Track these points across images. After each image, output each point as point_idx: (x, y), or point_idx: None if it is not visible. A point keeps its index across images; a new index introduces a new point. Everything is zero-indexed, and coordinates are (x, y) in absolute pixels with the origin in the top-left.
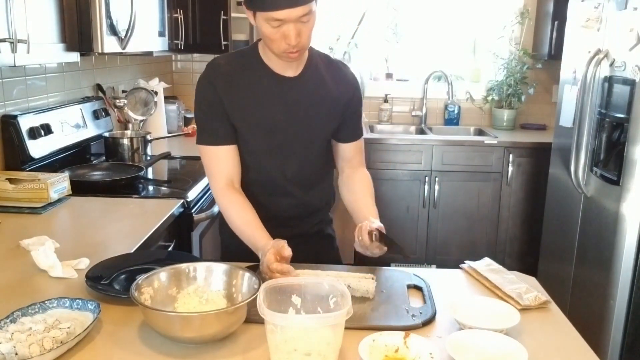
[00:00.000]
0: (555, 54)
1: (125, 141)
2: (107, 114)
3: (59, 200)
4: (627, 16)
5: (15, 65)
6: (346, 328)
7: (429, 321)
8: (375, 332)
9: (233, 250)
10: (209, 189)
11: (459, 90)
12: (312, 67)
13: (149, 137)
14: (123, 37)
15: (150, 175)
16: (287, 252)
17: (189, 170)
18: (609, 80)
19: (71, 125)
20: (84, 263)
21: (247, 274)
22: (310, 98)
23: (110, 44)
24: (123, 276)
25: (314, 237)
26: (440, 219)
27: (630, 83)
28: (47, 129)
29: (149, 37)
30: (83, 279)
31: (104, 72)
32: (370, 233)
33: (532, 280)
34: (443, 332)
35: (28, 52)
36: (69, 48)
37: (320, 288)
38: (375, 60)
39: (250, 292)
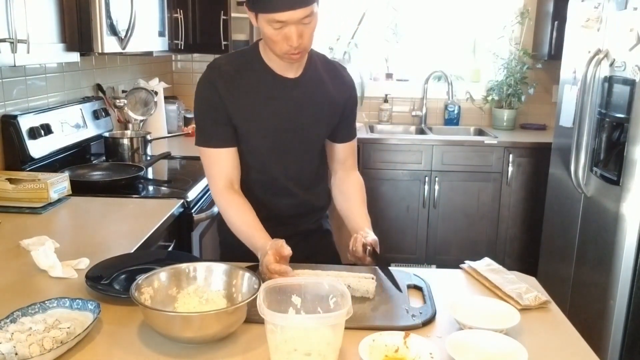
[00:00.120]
0: (555, 54)
1: (125, 141)
2: (107, 114)
3: (59, 200)
4: (627, 16)
5: (15, 65)
6: (346, 328)
7: (429, 321)
8: (375, 332)
9: (232, 250)
10: (209, 189)
11: (459, 90)
12: (312, 68)
13: (149, 137)
14: (123, 37)
15: (150, 175)
16: (287, 251)
17: (189, 170)
18: (609, 80)
19: (71, 125)
20: (84, 263)
21: (247, 274)
22: (311, 99)
23: (110, 44)
24: (123, 276)
25: (314, 233)
26: (440, 218)
27: (630, 83)
28: (47, 129)
29: (149, 37)
30: (83, 279)
31: (104, 72)
32: (364, 246)
33: (532, 280)
34: (443, 332)
35: (28, 52)
36: (69, 48)
37: (320, 288)
38: (375, 60)
39: (250, 292)
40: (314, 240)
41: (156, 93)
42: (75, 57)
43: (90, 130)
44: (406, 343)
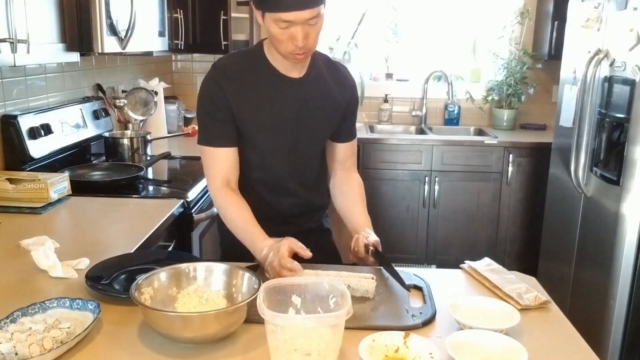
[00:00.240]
0: (555, 54)
1: (125, 141)
2: (107, 114)
3: (59, 200)
4: (627, 16)
5: (15, 65)
6: (346, 328)
7: (429, 321)
8: (375, 332)
9: (233, 249)
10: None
11: (459, 90)
12: (316, 68)
13: (149, 137)
14: (123, 37)
15: (150, 175)
16: (308, 254)
17: (189, 170)
18: (609, 80)
19: (71, 125)
20: (84, 263)
21: (247, 274)
22: (314, 99)
23: (110, 44)
24: (123, 276)
25: (315, 232)
26: (440, 218)
27: (630, 83)
28: (47, 129)
29: (149, 37)
30: (83, 279)
31: (104, 72)
32: (366, 246)
33: (532, 280)
34: (443, 332)
35: (28, 52)
36: (69, 48)
37: (320, 288)
38: (375, 60)
39: (250, 292)
40: (314, 239)
41: (156, 93)
42: (75, 57)
43: (90, 130)
44: (406, 343)
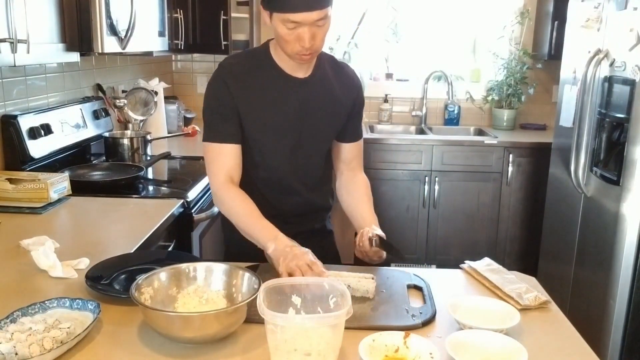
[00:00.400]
0: (555, 54)
1: (125, 141)
2: (107, 114)
3: (59, 200)
4: (627, 16)
5: (15, 65)
6: (346, 328)
7: (429, 321)
8: (375, 332)
9: (238, 247)
10: (209, 189)
11: (459, 90)
12: (321, 69)
13: (149, 137)
14: (123, 37)
15: (150, 175)
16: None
17: (189, 170)
18: (609, 80)
19: (71, 125)
20: (84, 263)
21: (247, 274)
22: (320, 99)
23: (110, 44)
24: (123, 276)
25: (317, 233)
26: (440, 218)
27: (630, 83)
28: (47, 129)
29: (149, 37)
30: (83, 279)
31: (104, 72)
32: (370, 239)
33: (532, 280)
34: (443, 332)
35: (28, 52)
36: (69, 48)
37: (320, 288)
38: (375, 60)
39: (250, 292)
40: (316, 239)
41: (156, 93)
42: (75, 57)
43: (90, 130)
44: (406, 343)
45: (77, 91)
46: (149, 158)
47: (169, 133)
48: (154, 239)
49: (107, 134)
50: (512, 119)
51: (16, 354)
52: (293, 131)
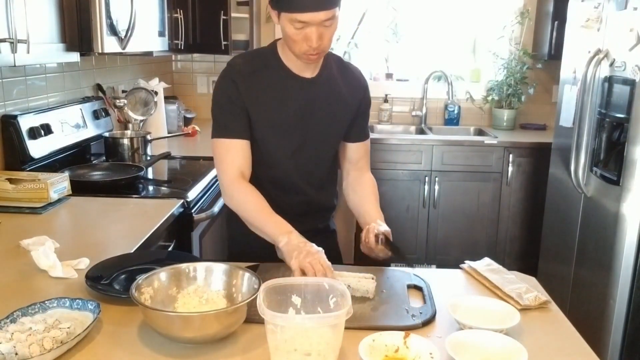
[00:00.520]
0: (555, 54)
1: (125, 141)
2: (107, 114)
3: (59, 200)
4: (627, 16)
5: (15, 65)
6: (346, 328)
7: (429, 321)
8: (375, 332)
9: (240, 245)
10: (209, 189)
11: (459, 90)
12: (328, 69)
13: (149, 137)
14: (123, 37)
15: (150, 175)
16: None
17: (189, 170)
18: (609, 80)
19: (71, 125)
20: (84, 263)
21: (247, 274)
22: (326, 99)
23: (110, 44)
24: (123, 276)
25: (321, 232)
26: (440, 218)
27: (630, 83)
28: (47, 129)
29: (149, 37)
30: (83, 279)
31: (104, 72)
32: (376, 236)
33: (532, 280)
34: (443, 332)
35: (28, 52)
36: (69, 48)
37: (320, 288)
38: (375, 60)
39: (250, 292)
40: (319, 239)
41: (156, 93)
42: (75, 57)
43: (90, 130)
44: (406, 343)
45: (77, 91)
46: (149, 158)
47: (169, 133)
48: (154, 239)
49: (107, 134)
50: (512, 119)
51: (16, 354)
52: (299, 130)
